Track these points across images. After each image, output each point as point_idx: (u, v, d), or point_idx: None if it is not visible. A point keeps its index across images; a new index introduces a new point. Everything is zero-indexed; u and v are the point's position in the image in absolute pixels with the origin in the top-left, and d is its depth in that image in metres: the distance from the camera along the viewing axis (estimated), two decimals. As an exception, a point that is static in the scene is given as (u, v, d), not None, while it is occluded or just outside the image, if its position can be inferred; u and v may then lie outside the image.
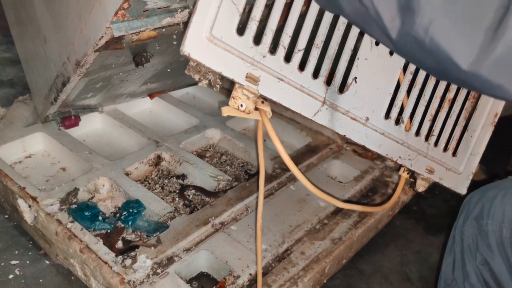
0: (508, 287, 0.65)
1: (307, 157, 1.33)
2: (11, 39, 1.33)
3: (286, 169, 1.26)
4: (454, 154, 0.95)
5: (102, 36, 0.88)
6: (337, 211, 1.15)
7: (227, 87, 1.53)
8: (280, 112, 1.50)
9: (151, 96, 1.51)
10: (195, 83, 1.58)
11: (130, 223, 1.06)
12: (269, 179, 1.22)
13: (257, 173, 1.27)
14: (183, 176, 1.25)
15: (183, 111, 1.47)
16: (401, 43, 0.56)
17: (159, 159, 1.28)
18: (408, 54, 0.58)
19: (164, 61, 1.18)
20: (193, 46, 0.64)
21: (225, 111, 0.68)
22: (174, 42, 1.03)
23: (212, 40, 0.65)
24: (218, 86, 0.71)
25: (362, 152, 1.37)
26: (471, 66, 0.52)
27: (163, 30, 0.92)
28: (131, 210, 1.08)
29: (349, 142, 1.40)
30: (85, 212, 1.06)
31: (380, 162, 1.33)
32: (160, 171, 1.27)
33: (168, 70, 1.30)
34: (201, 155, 1.35)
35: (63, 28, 1.04)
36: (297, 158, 1.32)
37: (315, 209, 1.15)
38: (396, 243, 1.21)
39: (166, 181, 1.24)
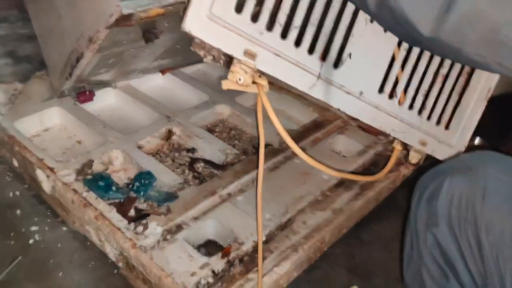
0: (458, 266, 0.68)
1: (313, 132, 1.37)
2: (27, 16, 1.38)
3: (292, 143, 1.30)
4: (446, 127, 0.99)
5: (112, 14, 0.93)
6: (339, 184, 1.19)
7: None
8: (288, 88, 1.53)
9: (163, 72, 1.56)
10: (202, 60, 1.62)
11: (142, 193, 1.12)
12: (275, 152, 1.27)
13: (265, 147, 1.32)
14: (193, 150, 1.31)
15: (194, 87, 1.52)
16: (378, 13, 0.60)
17: (170, 133, 1.34)
18: (384, 24, 0.62)
19: (173, 38, 1.22)
20: (194, 24, 0.69)
21: (225, 85, 0.73)
22: None
23: (212, 18, 0.69)
24: (221, 61, 0.75)
25: (367, 127, 1.40)
26: (432, 33, 0.56)
27: (170, 7, 0.96)
28: (143, 181, 1.14)
29: (355, 117, 1.43)
30: (99, 183, 1.12)
31: (383, 137, 1.37)
32: (171, 145, 1.32)
33: (178, 46, 1.34)
34: (210, 129, 1.40)
35: (77, 6, 1.09)
36: (303, 133, 1.36)
37: (318, 182, 1.19)
38: (396, 214, 1.25)
39: (176, 154, 1.29)
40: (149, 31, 1.15)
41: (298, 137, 1.34)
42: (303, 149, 1.30)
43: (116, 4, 0.92)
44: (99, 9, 0.99)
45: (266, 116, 1.43)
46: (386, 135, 1.37)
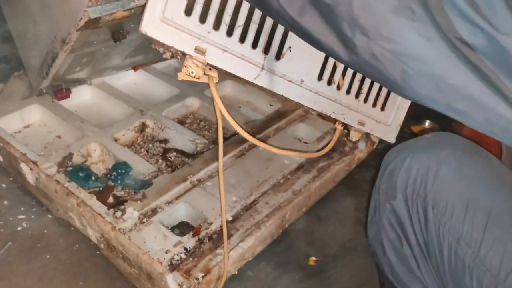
0: (409, 233, 0.77)
1: (276, 121, 1.49)
2: (2, 17, 1.45)
3: (257, 132, 1.42)
4: (382, 109, 1.12)
5: (81, 18, 1.04)
6: (299, 167, 1.32)
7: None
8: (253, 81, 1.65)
9: (135, 68, 1.66)
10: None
11: (119, 181, 1.22)
12: (241, 141, 1.39)
13: (231, 136, 1.44)
14: (165, 141, 1.42)
15: (165, 82, 1.62)
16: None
17: (143, 126, 1.44)
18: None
19: (140, 37, 1.32)
20: (149, 26, 0.80)
21: (180, 76, 0.84)
22: None
23: (165, 20, 0.81)
24: (179, 57, 0.86)
25: (325, 115, 1.53)
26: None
27: (132, 11, 1.07)
28: (119, 171, 1.24)
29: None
30: (79, 173, 1.22)
31: (340, 124, 1.49)
32: (145, 137, 1.43)
33: (145, 45, 1.44)
34: (181, 121, 1.51)
35: (50, 11, 1.18)
36: (267, 122, 1.48)
37: (280, 166, 1.32)
38: (353, 192, 1.38)
39: (150, 145, 1.40)
40: (117, 32, 1.25)
41: (262, 126, 1.46)
42: (267, 137, 1.43)
43: (83, 9, 1.02)
44: (69, 13, 1.09)
45: (233, 108, 1.55)
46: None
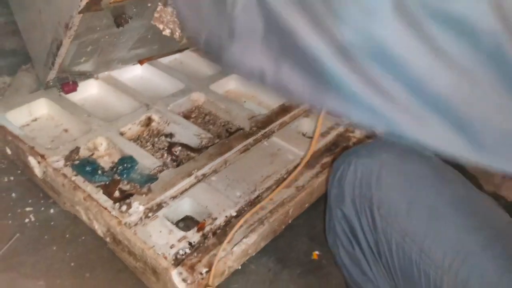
0: (359, 236, 0.79)
1: (280, 116, 1.50)
2: (9, 10, 1.47)
3: (261, 127, 1.44)
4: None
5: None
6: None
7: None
8: (258, 75, 1.66)
9: (141, 62, 1.67)
10: (181, 50, 1.73)
11: (125, 176, 1.24)
12: (246, 136, 1.40)
13: (236, 130, 1.45)
14: (171, 135, 1.43)
15: (171, 76, 1.63)
16: None
17: (149, 120, 1.46)
18: None
19: (143, 25, 1.33)
20: None
21: None
22: (149, 4, 1.18)
23: None
24: (177, 33, 0.87)
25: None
26: None
27: None
28: (125, 165, 1.26)
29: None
30: (86, 167, 1.24)
31: (345, 119, 1.50)
32: (151, 131, 1.45)
33: (149, 36, 1.45)
34: (187, 116, 1.52)
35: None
36: (271, 117, 1.49)
37: (284, 161, 1.33)
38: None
39: (156, 139, 1.42)
40: (119, 17, 1.26)
41: (267, 121, 1.47)
42: (272, 132, 1.44)
43: None
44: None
45: (238, 102, 1.56)
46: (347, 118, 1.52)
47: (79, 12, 1.11)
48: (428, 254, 0.67)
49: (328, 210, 0.87)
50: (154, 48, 1.61)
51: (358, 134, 1.46)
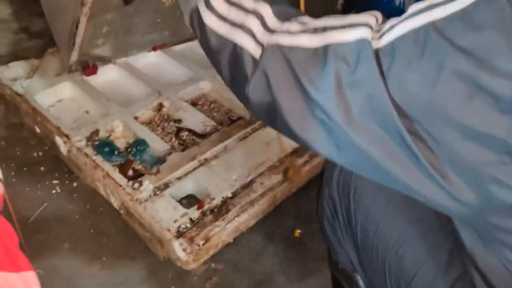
0: (339, 214, 0.94)
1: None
2: None
3: (259, 117, 1.61)
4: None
5: None
6: (293, 152, 1.51)
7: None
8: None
9: (154, 48, 1.83)
10: (192, 39, 1.89)
11: (138, 157, 1.43)
12: (245, 125, 1.57)
13: (238, 119, 1.63)
14: (179, 121, 1.61)
15: (182, 64, 1.80)
16: None
17: (160, 106, 1.64)
18: None
19: (152, 8, 1.50)
20: None
21: None
22: None
23: None
24: None
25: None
26: None
27: None
28: (138, 147, 1.45)
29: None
30: (105, 148, 1.44)
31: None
32: (162, 116, 1.63)
33: (158, 20, 1.61)
34: (194, 103, 1.70)
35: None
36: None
37: (277, 150, 1.51)
38: (339, 176, 1.57)
39: (165, 124, 1.60)
40: None
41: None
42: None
43: None
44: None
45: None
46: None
47: None
48: (380, 234, 0.86)
49: (321, 188, 1.03)
50: (165, 34, 1.77)
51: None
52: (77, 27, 1.43)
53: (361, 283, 1.01)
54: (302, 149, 1.51)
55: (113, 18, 1.47)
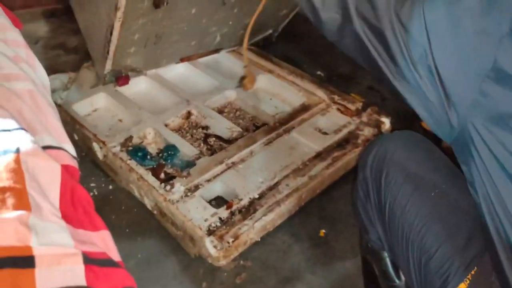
0: (371, 196, 1.01)
1: (300, 114, 1.74)
2: (70, 10, 1.74)
3: (283, 123, 1.68)
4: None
5: None
6: (317, 156, 1.57)
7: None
8: (284, 76, 1.90)
9: (182, 60, 1.93)
10: (217, 51, 1.99)
11: (169, 161, 1.52)
12: (270, 131, 1.65)
13: (262, 125, 1.70)
14: (206, 127, 1.70)
15: (208, 75, 1.89)
16: None
17: (189, 114, 1.73)
18: None
19: (179, 15, 1.59)
20: None
21: None
22: None
23: None
24: None
25: (344, 110, 1.77)
26: None
27: None
28: (169, 152, 1.54)
29: (335, 102, 1.80)
30: (138, 153, 1.53)
31: (356, 118, 1.73)
32: (190, 123, 1.72)
33: (185, 28, 1.70)
34: (220, 111, 1.78)
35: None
36: (293, 115, 1.73)
37: (301, 154, 1.58)
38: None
39: (194, 131, 1.69)
40: None
41: (289, 117, 1.72)
42: (292, 127, 1.68)
43: None
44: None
45: (265, 100, 1.81)
46: (359, 116, 1.74)
47: None
48: (406, 214, 0.93)
49: (356, 172, 1.12)
50: (192, 44, 1.86)
51: (366, 132, 1.68)
52: (111, 33, 1.52)
53: (388, 260, 1.09)
54: (326, 152, 1.57)
55: (143, 24, 1.56)
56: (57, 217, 0.71)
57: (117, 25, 1.49)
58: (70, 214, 0.74)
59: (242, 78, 1.86)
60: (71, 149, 0.94)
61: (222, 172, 1.48)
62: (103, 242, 0.75)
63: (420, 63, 0.76)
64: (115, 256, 0.74)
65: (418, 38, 0.75)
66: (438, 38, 0.74)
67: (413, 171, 0.95)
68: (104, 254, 0.71)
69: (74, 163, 0.91)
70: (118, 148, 1.53)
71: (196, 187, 1.42)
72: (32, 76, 0.97)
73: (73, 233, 0.70)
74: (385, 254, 1.08)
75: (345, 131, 1.68)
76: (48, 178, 0.76)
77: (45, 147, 0.87)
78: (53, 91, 1.72)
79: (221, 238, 1.29)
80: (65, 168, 0.83)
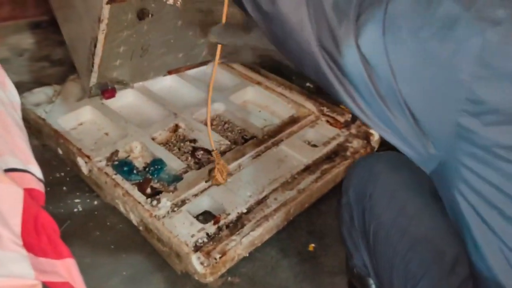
0: (356, 219, 1.00)
1: (289, 126, 1.72)
2: (56, 22, 1.72)
3: (271, 136, 1.67)
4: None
5: None
6: (305, 169, 1.55)
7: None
8: (272, 88, 1.89)
9: (170, 72, 1.91)
10: (205, 63, 1.97)
11: (155, 175, 1.49)
12: (258, 143, 1.63)
13: (250, 138, 1.69)
14: (194, 141, 1.68)
15: (195, 87, 1.87)
16: None
17: (176, 127, 1.70)
18: None
19: (164, 27, 1.58)
20: None
21: None
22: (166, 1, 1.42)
23: None
24: (179, 2, 1.11)
25: (333, 122, 1.76)
26: None
27: None
28: (156, 166, 1.51)
29: (324, 114, 1.79)
30: (124, 167, 1.50)
31: (345, 130, 1.72)
32: (178, 136, 1.69)
33: (172, 40, 1.68)
34: (208, 123, 1.76)
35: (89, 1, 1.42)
36: (282, 127, 1.72)
37: (290, 167, 1.56)
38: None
39: (182, 144, 1.67)
40: (141, 11, 1.49)
41: (278, 130, 1.70)
42: (281, 140, 1.66)
43: None
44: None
45: (247, 111, 1.79)
46: (348, 129, 1.73)
47: (107, 3, 1.34)
48: (390, 238, 0.92)
49: (341, 195, 1.10)
50: (179, 56, 1.85)
51: (355, 144, 1.67)
52: (95, 46, 1.50)
53: (374, 287, 1.06)
54: (314, 165, 1.56)
55: (128, 36, 1.54)
56: (18, 245, 0.68)
57: (101, 37, 1.47)
58: (32, 242, 0.71)
59: (210, 170, 1.47)
60: (37, 171, 0.90)
61: (209, 187, 1.46)
62: (68, 271, 0.72)
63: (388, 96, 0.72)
64: (80, 285, 0.71)
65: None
66: (403, 72, 0.68)
67: (397, 194, 0.94)
68: (67, 284, 0.68)
69: (40, 187, 0.87)
70: (103, 163, 1.50)
71: (183, 202, 1.40)
72: (1, 95, 0.94)
73: (35, 262, 0.67)
74: (371, 281, 1.06)
75: (334, 143, 1.67)
76: (9, 204, 0.73)
77: (8, 170, 0.83)
78: (38, 104, 1.71)
79: (208, 254, 1.27)
80: (29, 193, 0.79)
